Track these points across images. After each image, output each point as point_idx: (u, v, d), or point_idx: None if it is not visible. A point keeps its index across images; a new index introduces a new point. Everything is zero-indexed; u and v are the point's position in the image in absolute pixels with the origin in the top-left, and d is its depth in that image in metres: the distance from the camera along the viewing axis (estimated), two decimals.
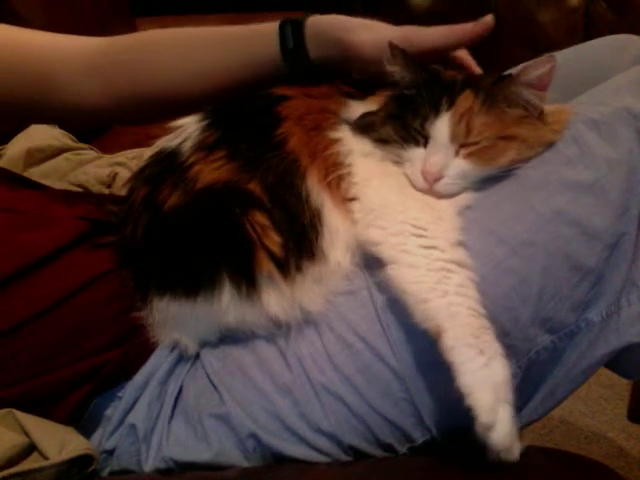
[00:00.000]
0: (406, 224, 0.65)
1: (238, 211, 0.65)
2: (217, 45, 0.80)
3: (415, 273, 0.62)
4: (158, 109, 0.83)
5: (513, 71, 0.82)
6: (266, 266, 0.64)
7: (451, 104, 0.66)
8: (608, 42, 0.87)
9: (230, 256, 0.65)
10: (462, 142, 0.66)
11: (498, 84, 0.67)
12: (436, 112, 0.66)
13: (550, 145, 0.68)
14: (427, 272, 0.62)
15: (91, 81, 0.82)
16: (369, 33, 0.73)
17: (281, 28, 0.76)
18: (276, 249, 0.65)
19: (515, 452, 0.57)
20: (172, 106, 0.81)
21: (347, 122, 0.71)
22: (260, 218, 0.65)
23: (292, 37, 0.75)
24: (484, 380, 0.57)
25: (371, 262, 0.66)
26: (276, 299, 0.65)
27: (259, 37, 0.77)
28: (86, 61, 0.82)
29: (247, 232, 0.65)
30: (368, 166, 0.69)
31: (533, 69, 0.65)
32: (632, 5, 2.36)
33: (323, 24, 0.75)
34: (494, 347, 0.59)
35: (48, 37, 0.85)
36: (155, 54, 0.82)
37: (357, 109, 0.73)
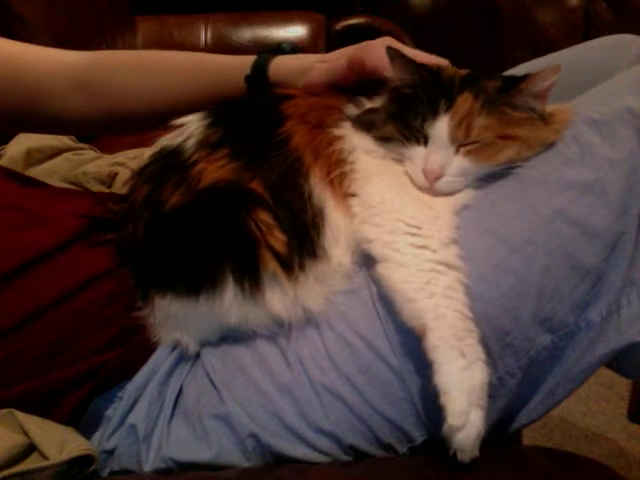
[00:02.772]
0: (401, 222, 0.65)
1: (242, 209, 0.65)
2: (193, 74, 0.87)
3: (405, 272, 0.63)
4: (132, 123, 0.90)
5: (514, 72, 0.83)
6: (271, 265, 0.65)
7: (449, 106, 0.66)
8: (608, 42, 0.87)
9: (234, 254, 0.65)
10: (461, 143, 0.66)
11: (504, 93, 0.66)
12: (435, 113, 0.66)
13: (550, 145, 0.68)
14: (417, 272, 0.63)
15: (77, 95, 0.87)
16: (315, 77, 0.78)
17: (247, 78, 0.82)
18: (281, 248, 0.65)
19: (472, 455, 0.58)
20: (145, 123, 0.88)
21: (350, 118, 0.72)
22: (265, 217, 0.65)
23: (258, 77, 0.81)
24: (461, 382, 0.58)
25: (371, 260, 0.66)
26: (279, 298, 0.65)
27: (231, 74, 0.84)
28: (72, 75, 0.87)
29: (251, 230, 0.65)
30: (369, 163, 0.69)
31: (540, 80, 0.65)
32: (632, 5, 2.36)
33: (283, 71, 0.81)
34: (476, 351, 0.60)
35: (38, 50, 0.89)
36: (130, 76, 0.88)
37: (365, 105, 0.73)
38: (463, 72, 0.71)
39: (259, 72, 0.81)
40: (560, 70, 0.65)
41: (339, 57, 0.78)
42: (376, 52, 0.72)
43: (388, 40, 0.75)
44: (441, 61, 0.75)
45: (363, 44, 0.76)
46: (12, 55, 0.86)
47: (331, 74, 0.77)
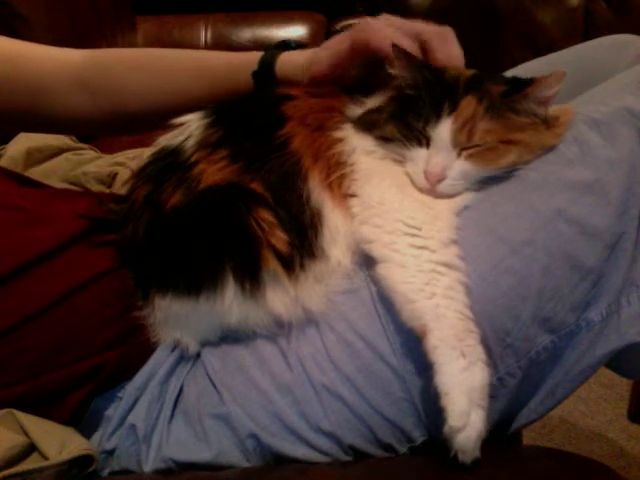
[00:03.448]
0: (400, 223, 0.65)
1: (243, 208, 0.65)
2: (196, 72, 0.85)
3: (405, 273, 0.63)
4: (135, 123, 0.90)
5: (514, 72, 0.83)
6: (272, 264, 0.65)
7: (453, 109, 0.66)
8: (608, 42, 0.87)
9: (234, 253, 0.65)
10: (463, 146, 0.66)
11: (508, 98, 0.66)
12: (437, 116, 0.66)
13: (551, 148, 0.68)
14: (417, 273, 0.63)
15: (78, 93, 0.86)
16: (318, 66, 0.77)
17: (255, 74, 0.81)
18: (282, 247, 0.65)
19: (473, 455, 0.58)
20: (148, 122, 0.87)
21: (351, 120, 0.72)
22: (266, 215, 0.65)
23: (264, 73, 0.80)
24: (462, 383, 0.58)
25: (371, 261, 0.66)
26: (280, 298, 0.65)
27: (236, 71, 0.83)
28: (73, 74, 0.86)
29: (252, 229, 0.65)
30: (369, 164, 0.69)
31: (546, 87, 0.65)
32: (632, 5, 2.36)
33: (290, 67, 0.80)
34: (477, 352, 0.60)
35: (39, 49, 0.88)
36: (133, 75, 0.87)
37: (366, 105, 0.73)
38: (468, 72, 0.70)
39: (266, 68, 0.80)
40: (565, 76, 0.65)
41: (339, 42, 0.76)
42: (380, 33, 0.71)
43: (388, 17, 0.74)
44: (442, 29, 0.74)
45: (362, 24, 0.75)
46: (14, 54, 0.86)
47: (334, 59, 0.76)
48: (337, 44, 0.76)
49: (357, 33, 0.75)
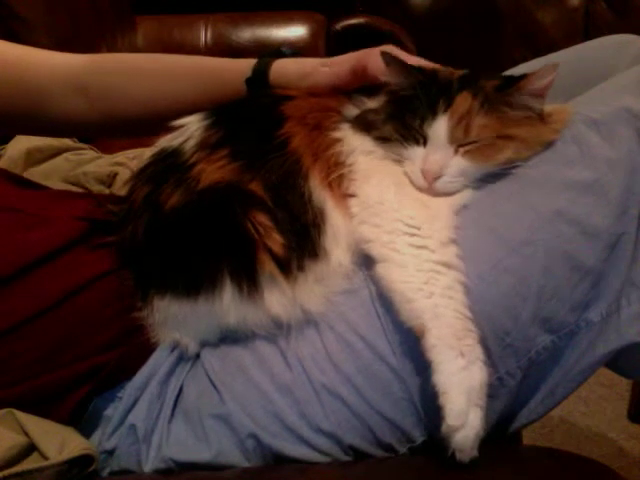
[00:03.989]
0: (400, 222, 0.65)
1: (240, 211, 0.65)
2: (194, 78, 0.86)
3: (404, 273, 0.63)
4: (133, 127, 0.90)
5: (513, 71, 0.83)
6: (268, 266, 0.65)
7: (448, 105, 0.66)
8: (608, 42, 0.87)
9: (231, 256, 0.66)
10: (460, 143, 0.66)
11: (502, 92, 0.67)
12: (433, 113, 0.66)
13: (549, 144, 0.68)
14: (416, 272, 0.63)
15: (76, 98, 0.87)
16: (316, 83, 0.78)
17: (248, 81, 0.82)
18: (278, 249, 0.65)
19: (471, 455, 0.58)
20: (145, 126, 0.88)
21: (350, 119, 0.72)
22: (262, 218, 0.65)
23: (259, 80, 0.81)
24: (460, 382, 0.59)
25: (370, 261, 0.66)
26: (278, 299, 0.65)
27: (232, 77, 0.83)
28: (72, 78, 0.86)
29: (249, 232, 0.65)
30: (368, 164, 0.70)
31: (538, 79, 0.65)
32: (632, 5, 2.36)
33: (284, 75, 0.81)
34: (475, 351, 0.60)
35: (38, 53, 0.89)
36: (132, 80, 0.87)
37: (366, 105, 0.73)
38: (460, 72, 0.71)
39: (260, 75, 0.81)
40: (558, 68, 0.65)
41: (342, 62, 0.78)
42: (377, 59, 0.72)
43: (392, 49, 0.75)
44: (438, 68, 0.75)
45: (366, 50, 0.76)
46: (14, 58, 0.86)
47: (334, 78, 0.77)
48: (339, 65, 0.78)
49: (358, 57, 0.76)
